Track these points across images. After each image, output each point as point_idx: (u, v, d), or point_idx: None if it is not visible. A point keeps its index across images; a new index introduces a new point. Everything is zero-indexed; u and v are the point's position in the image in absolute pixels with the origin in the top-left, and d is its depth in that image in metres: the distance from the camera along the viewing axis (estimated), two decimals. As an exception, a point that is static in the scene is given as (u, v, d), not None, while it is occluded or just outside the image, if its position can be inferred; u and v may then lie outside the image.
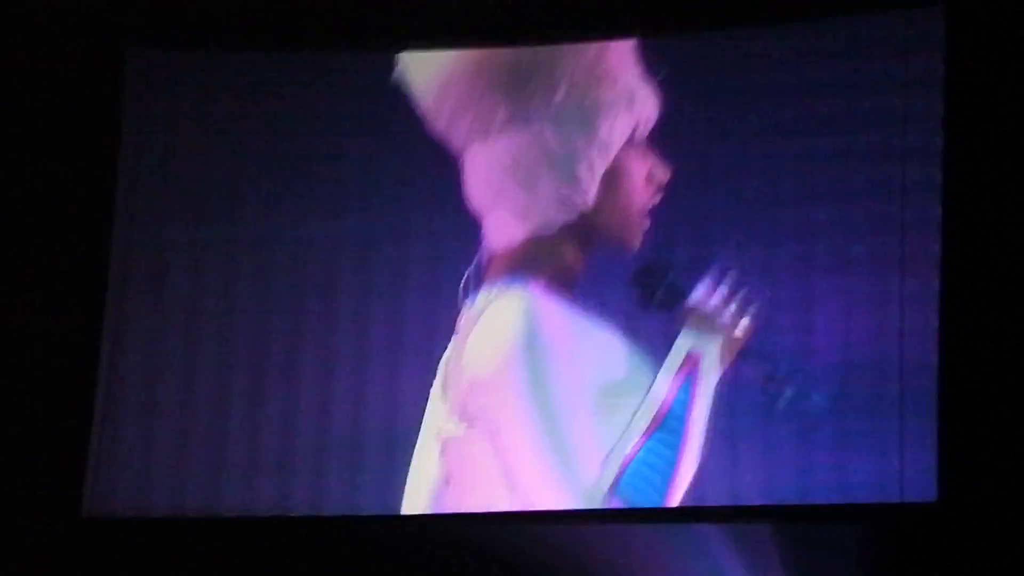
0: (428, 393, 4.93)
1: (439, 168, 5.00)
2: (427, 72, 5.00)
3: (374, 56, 5.12)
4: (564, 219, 4.85)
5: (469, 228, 4.98)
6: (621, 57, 4.90)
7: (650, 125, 4.87)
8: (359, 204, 5.12)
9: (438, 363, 4.93)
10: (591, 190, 4.83)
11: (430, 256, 5.02)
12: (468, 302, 4.93)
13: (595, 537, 4.84)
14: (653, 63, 4.93)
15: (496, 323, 4.83)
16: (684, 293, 4.81)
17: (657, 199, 4.87)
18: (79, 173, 5.23)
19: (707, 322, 4.76)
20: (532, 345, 4.80)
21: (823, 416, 4.70)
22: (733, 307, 4.76)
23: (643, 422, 4.75)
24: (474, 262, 4.96)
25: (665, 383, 4.76)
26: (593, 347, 4.82)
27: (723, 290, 4.78)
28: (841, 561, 4.70)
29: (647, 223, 4.87)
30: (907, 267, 4.74)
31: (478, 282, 4.94)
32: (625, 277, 4.87)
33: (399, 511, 4.92)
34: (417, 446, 4.89)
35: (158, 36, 5.29)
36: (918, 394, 4.66)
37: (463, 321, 4.90)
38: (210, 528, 5.01)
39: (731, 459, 4.76)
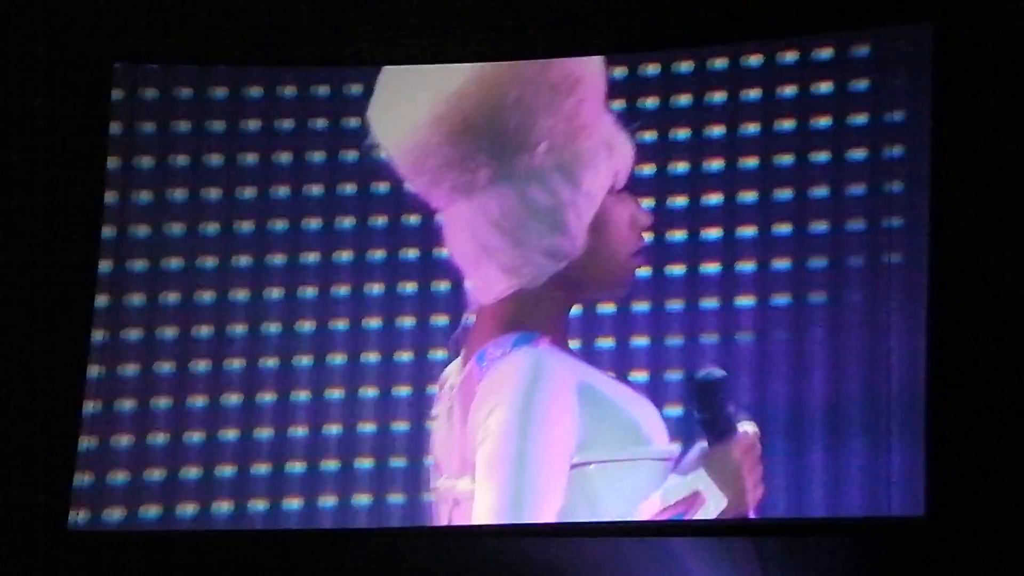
0: (422, 408, 4.97)
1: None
2: (401, 138, 4.94)
3: (369, 71, 5.13)
4: (553, 269, 4.85)
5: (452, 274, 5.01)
6: (595, 108, 4.92)
7: (627, 172, 4.89)
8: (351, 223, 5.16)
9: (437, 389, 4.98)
10: (579, 239, 4.82)
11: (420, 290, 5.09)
12: (459, 359, 4.94)
13: (574, 551, 4.84)
14: (625, 110, 5.02)
15: (501, 385, 4.79)
16: (734, 429, 4.72)
17: (642, 244, 4.90)
18: (67, 184, 5.22)
19: (732, 473, 4.71)
20: (527, 410, 4.76)
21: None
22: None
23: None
24: (462, 316, 4.98)
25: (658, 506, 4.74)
26: (593, 407, 4.79)
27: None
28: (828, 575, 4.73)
29: (635, 268, 4.92)
30: (894, 286, 4.78)
31: (465, 338, 4.95)
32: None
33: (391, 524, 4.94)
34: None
35: (147, 49, 5.29)
36: (906, 408, 4.68)
37: (462, 381, 4.89)
38: (200, 542, 4.99)
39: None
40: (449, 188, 4.88)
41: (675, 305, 4.98)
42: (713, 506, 4.66)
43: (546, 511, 4.67)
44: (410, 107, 4.92)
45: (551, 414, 4.72)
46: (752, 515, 4.69)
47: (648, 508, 4.69)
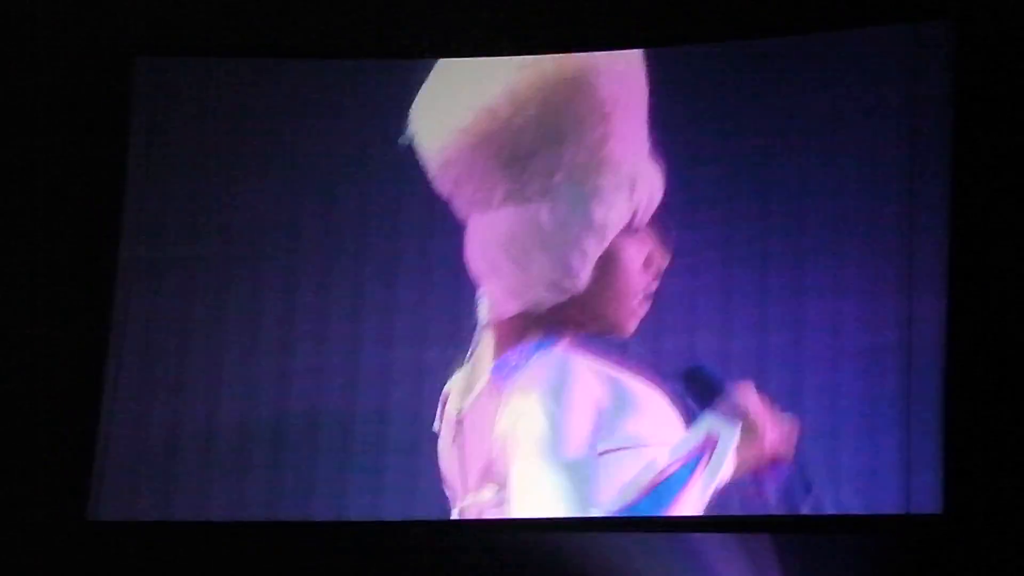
0: (423, 399, 4.97)
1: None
2: (434, 139, 4.98)
3: (388, 64, 5.14)
4: (554, 300, 4.84)
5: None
6: (625, 142, 4.87)
7: (651, 210, 4.84)
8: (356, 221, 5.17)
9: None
10: (582, 276, 4.80)
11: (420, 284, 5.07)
12: (463, 372, 4.93)
13: (591, 546, 4.83)
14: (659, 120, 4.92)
15: (527, 390, 4.81)
16: (720, 386, 4.78)
17: (655, 285, 4.85)
18: (87, 178, 5.23)
19: (736, 411, 4.74)
20: (554, 412, 4.77)
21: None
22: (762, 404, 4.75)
23: (637, 487, 4.74)
24: (476, 327, 4.96)
25: (670, 455, 4.74)
26: (614, 401, 4.80)
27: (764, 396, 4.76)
28: (846, 573, 4.70)
29: (644, 308, 4.85)
30: (914, 283, 4.75)
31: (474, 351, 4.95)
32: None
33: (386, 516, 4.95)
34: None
35: (168, 42, 5.30)
36: (924, 405, 4.66)
37: (480, 394, 4.90)
38: (217, 532, 5.01)
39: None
40: (468, 200, 4.89)
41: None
42: (726, 443, 4.67)
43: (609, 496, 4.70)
44: (450, 108, 4.94)
45: (581, 410, 4.73)
46: (773, 466, 4.69)
47: (660, 465, 4.70)
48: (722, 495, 4.75)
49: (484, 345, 4.93)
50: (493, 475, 4.79)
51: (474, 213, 4.91)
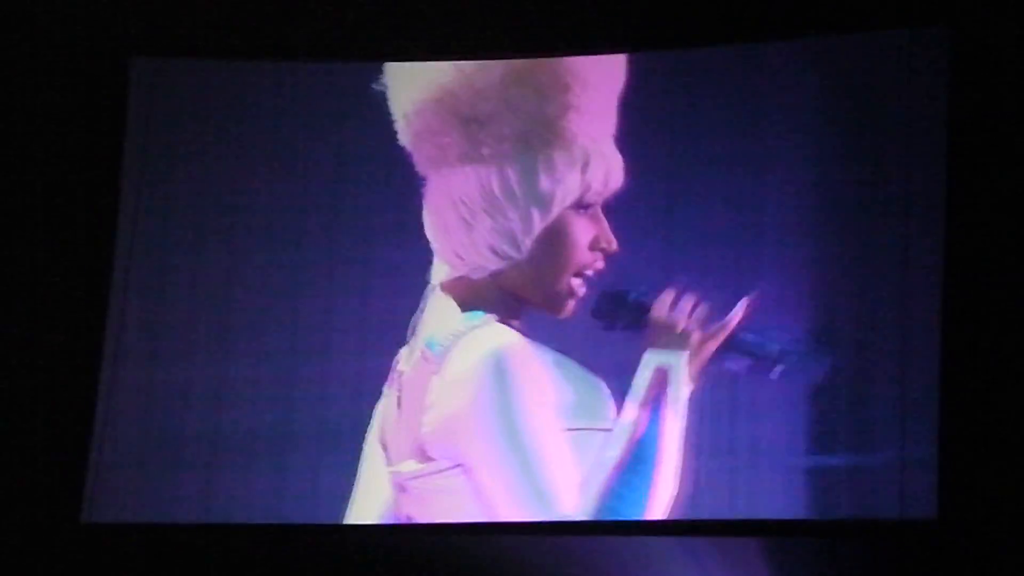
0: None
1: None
2: (403, 91, 4.97)
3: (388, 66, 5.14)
4: (493, 266, 4.83)
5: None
6: (585, 118, 4.84)
7: (605, 191, 4.81)
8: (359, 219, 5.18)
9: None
10: (525, 243, 4.79)
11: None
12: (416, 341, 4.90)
13: (582, 550, 4.83)
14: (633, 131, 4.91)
15: (465, 362, 4.76)
16: (647, 308, 4.78)
17: (599, 266, 4.81)
18: (83, 179, 5.23)
19: (671, 333, 4.74)
20: (502, 381, 4.73)
21: (823, 390, 4.74)
22: (699, 315, 4.74)
23: (614, 451, 4.71)
24: (422, 296, 4.93)
25: (634, 408, 4.71)
26: (558, 377, 4.78)
27: (688, 300, 4.76)
28: (838, 578, 4.74)
29: (583, 291, 4.81)
30: (908, 283, 4.76)
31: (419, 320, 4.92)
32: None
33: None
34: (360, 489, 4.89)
35: (165, 44, 5.30)
36: (919, 408, 4.67)
37: (412, 368, 4.86)
38: (208, 535, 5.02)
39: (720, 478, 4.80)
40: (426, 157, 4.89)
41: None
42: (677, 373, 4.68)
43: (563, 478, 4.67)
44: (423, 65, 4.99)
45: (528, 384, 4.70)
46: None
47: (628, 414, 4.69)
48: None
49: (430, 308, 4.91)
50: (420, 451, 4.76)
51: (431, 171, 4.91)
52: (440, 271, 4.89)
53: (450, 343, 4.74)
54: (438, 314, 4.84)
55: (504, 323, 4.78)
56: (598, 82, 4.91)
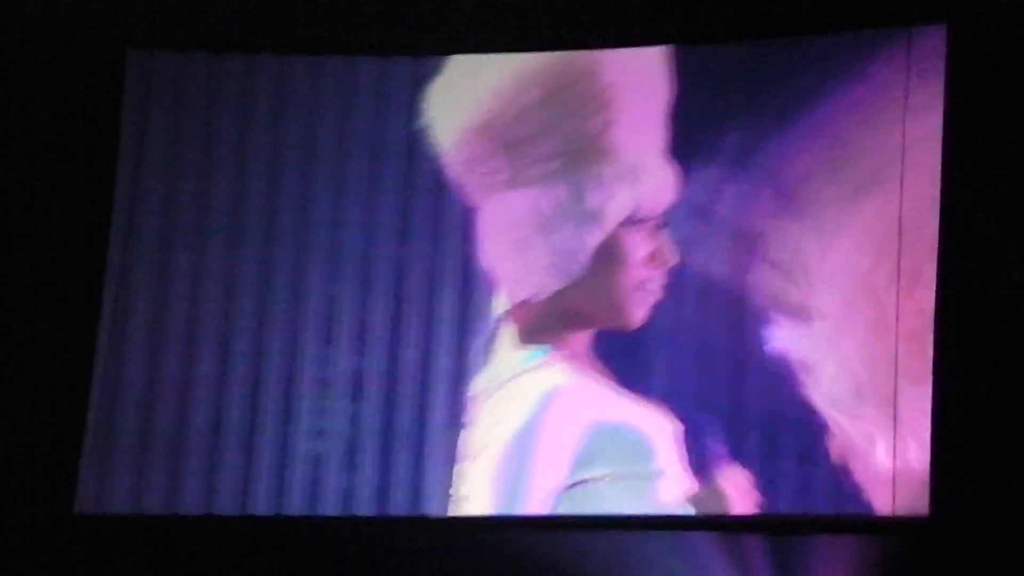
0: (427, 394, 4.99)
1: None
2: (446, 123, 5.00)
3: (389, 61, 5.15)
4: (555, 285, 4.84)
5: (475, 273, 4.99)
6: (630, 132, 4.87)
7: (658, 204, 4.82)
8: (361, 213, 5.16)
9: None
10: (580, 260, 4.81)
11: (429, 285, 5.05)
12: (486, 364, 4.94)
13: (580, 544, 4.83)
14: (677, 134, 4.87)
15: (504, 410, 4.84)
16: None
17: (661, 280, 4.81)
18: (78, 172, 5.22)
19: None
20: (522, 453, 4.80)
21: None
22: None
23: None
24: (489, 321, 4.95)
25: None
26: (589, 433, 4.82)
27: None
28: (832, 574, 4.72)
29: (651, 299, 4.82)
30: (903, 285, 4.76)
31: (492, 342, 4.95)
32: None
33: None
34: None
35: (160, 36, 5.29)
36: (911, 406, 4.67)
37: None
38: (205, 527, 5.02)
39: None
40: (476, 185, 4.90)
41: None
42: None
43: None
44: (462, 95, 4.97)
45: (550, 446, 4.76)
46: None
47: None
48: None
49: (498, 338, 4.93)
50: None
51: (481, 200, 4.92)
52: (502, 299, 4.89)
53: (500, 384, 4.80)
54: (501, 347, 4.88)
55: (565, 353, 4.78)
56: (639, 96, 4.91)
